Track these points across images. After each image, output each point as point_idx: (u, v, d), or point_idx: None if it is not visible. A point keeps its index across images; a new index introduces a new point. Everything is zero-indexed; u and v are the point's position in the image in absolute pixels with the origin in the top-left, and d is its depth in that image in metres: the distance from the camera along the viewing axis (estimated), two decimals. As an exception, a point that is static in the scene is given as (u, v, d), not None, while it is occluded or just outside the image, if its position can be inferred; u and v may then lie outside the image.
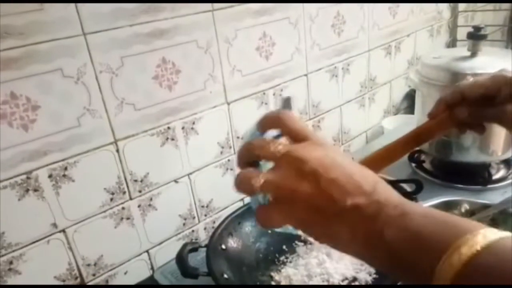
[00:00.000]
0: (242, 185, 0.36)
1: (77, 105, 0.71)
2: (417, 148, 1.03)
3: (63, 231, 0.76)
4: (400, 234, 0.32)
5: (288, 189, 0.35)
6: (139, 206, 0.85)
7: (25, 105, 0.66)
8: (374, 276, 0.68)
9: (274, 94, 1.02)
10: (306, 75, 1.08)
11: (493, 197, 0.84)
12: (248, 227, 0.74)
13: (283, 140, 0.38)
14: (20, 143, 0.67)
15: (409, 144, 0.64)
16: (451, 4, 1.51)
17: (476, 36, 0.89)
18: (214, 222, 1.01)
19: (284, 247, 0.75)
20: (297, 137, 0.38)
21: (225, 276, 0.61)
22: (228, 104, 0.94)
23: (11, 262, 0.71)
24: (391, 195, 0.35)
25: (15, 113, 0.65)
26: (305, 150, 0.36)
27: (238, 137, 0.99)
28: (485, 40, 0.90)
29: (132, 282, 0.87)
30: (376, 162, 0.63)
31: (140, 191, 0.84)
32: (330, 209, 0.34)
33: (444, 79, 0.87)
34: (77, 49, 0.69)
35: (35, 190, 0.70)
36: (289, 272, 0.70)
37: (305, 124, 0.38)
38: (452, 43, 1.56)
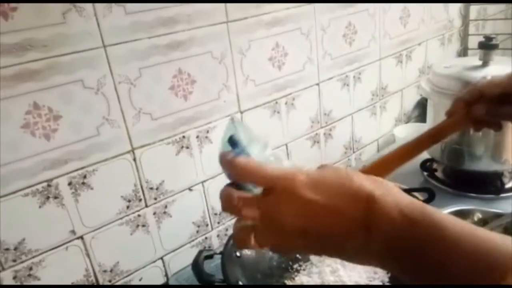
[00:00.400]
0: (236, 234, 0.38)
1: (97, 115, 0.73)
2: (429, 157, 1.04)
3: (81, 237, 0.77)
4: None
5: (282, 243, 0.36)
6: (154, 213, 0.87)
7: (47, 115, 0.68)
8: (388, 283, 0.68)
9: (286, 103, 1.04)
10: (318, 84, 1.09)
11: (506, 206, 0.83)
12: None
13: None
14: (42, 152, 0.69)
15: (427, 142, 0.65)
16: (462, 12, 1.52)
17: (488, 45, 0.90)
18: (227, 230, 1.02)
19: (297, 255, 0.76)
20: (261, 185, 0.36)
21: (240, 283, 0.62)
22: (241, 113, 0.95)
23: (30, 268, 0.73)
24: (390, 207, 0.33)
25: (38, 123, 0.67)
26: (276, 209, 0.34)
27: (251, 146, 1.00)
28: (496, 49, 0.91)
29: (147, 288, 0.89)
30: (393, 160, 0.64)
31: (155, 199, 0.86)
32: (331, 250, 0.35)
33: (455, 88, 0.87)
34: (97, 61, 0.71)
35: (55, 198, 0.72)
36: (302, 280, 0.70)
37: (262, 164, 0.37)
38: (463, 52, 1.56)
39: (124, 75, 0.74)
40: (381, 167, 0.64)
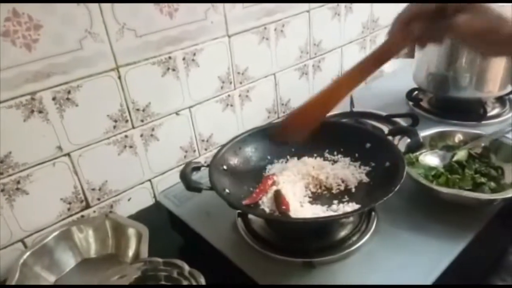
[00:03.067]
0: None
1: (79, 28, 0.71)
2: (416, 86, 1.05)
3: (68, 155, 0.78)
4: None
5: None
6: (141, 135, 0.87)
7: (28, 24, 0.66)
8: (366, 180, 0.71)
9: (275, 30, 1.02)
10: (308, 11, 1.07)
11: (487, 130, 0.85)
12: (249, 152, 0.76)
13: None
14: (24, 62, 0.67)
15: (372, 65, 0.66)
16: None
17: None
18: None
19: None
20: None
21: (227, 191, 0.64)
22: (229, 37, 0.93)
23: (18, 182, 0.73)
24: None
25: (18, 31, 0.65)
26: None
27: (238, 73, 0.99)
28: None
29: (136, 209, 0.91)
30: (347, 83, 0.68)
31: (142, 121, 0.86)
32: None
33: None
34: (78, -32, 0.68)
35: (40, 112, 0.72)
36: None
37: None
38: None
39: (106, -14, 0.71)
40: (327, 98, 0.69)
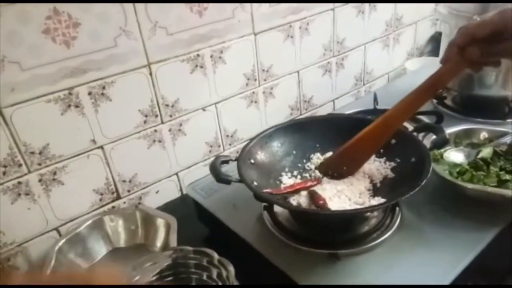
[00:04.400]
0: None
1: (114, 25, 0.74)
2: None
3: (101, 147, 0.81)
4: None
5: None
6: (169, 130, 0.90)
7: (67, 22, 0.69)
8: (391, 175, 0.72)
9: (300, 28, 1.03)
10: (333, 9, 1.08)
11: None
12: (275, 147, 0.78)
13: None
14: (62, 59, 0.71)
15: (427, 93, 0.67)
16: None
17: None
18: (237, 152, 1.05)
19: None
20: None
21: (255, 183, 0.66)
22: (255, 35, 0.95)
23: (55, 173, 0.77)
24: None
25: (58, 29, 0.69)
26: None
27: (263, 70, 1.01)
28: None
29: (163, 201, 0.94)
30: (398, 115, 0.68)
31: (171, 116, 0.89)
32: None
33: (473, 10, 0.86)
34: (114, -32, 0.71)
35: (76, 106, 0.75)
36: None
37: None
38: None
39: (140, -15, 0.74)
40: (378, 132, 0.70)
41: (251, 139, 0.76)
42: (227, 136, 1.02)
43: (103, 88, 0.77)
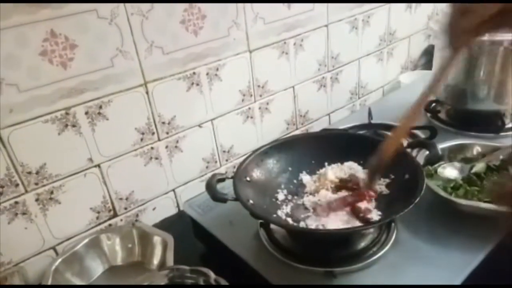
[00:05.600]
0: None
1: (111, 46, 0.75)
2: (434, 98, 1.06)
3: (98, 166, 0.82)
4: None
5: None
6: (166, 147, 0.91)
7: (64, 44, 0.70)
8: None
9: (294, 44, 1.05)
10: (326, 25, 1.09)
11: (505, 142, 0.86)
12: (271, 164, 0.78)
13: None
14: (60, 80, 0.72)
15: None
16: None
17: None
18: (234, 167, 1.06)
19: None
20: None
21: (251, 201, 0.67)
22: (250, 52, 0.97)
23: (52, 192, 0.77)
24: None
25: (55, 50, 0.70)
26: None
27: (259, 86, 1.02)
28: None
29: (160, 217, 0.94)
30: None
31: (167, 133, 0.90)
32: None
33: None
34: (110, -10, 0.72)
35: (73, 126, 0.76)
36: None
37: None
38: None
39: (136, 6, 0.75)
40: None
41: (247, 157, 0.77)
42: (224, 151, 1.03)
43: (100, 107, 0.78)
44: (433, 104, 1.07)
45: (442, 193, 0.72)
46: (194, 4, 0.83)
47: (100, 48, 0.74)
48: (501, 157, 0.79)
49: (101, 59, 0.75)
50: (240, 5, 0.90)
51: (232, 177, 0.71)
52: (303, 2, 1.01)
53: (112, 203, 0.86)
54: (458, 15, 0.56)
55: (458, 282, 0.62)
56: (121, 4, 0.74)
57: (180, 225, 0.90)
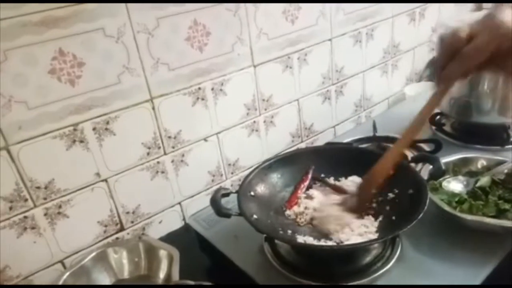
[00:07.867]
0: None
1: (118, 64, 0.77)
2: (438, 111, 1.06)
3: (106, 180, 0.83)
4: None
5: None
6: (172, 161, 0.92)
7: (72, 62, 0.72)
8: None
9: (298, 58, 1.06)
10: (330, 40, 1.11)
11: (510, 157, 0.86)
12: (275, 178, 0.79)
13: None
14: (68, 97, 0.73)
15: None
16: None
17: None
18: (240, 180, 1.07)
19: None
20: None
21: (255, 216, 0.68)
22: (255, 67, 0.98)
23: (60, 206, 0.79)
24: None
25: (63, 69, 0.71)
26: None
27: (263, 100, 1.03)
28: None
29: (166, 231, 0.95)
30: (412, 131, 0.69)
31: (173, 147, 0.91)
32: None
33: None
34: (117, 9, 0.74)
35: (81, 141, 0.77)
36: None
37: None
38: (478, 9, 1.54)
39: (142, 24, 0.77)
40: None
41: (251, 171, 0.77)
42: (229, 165, 1.04)
43: (107, 123, 0.79)
44: (438, 117, 1.07)
45: (447, 208, 0.72)
46: (198, 21, 0.84)
47: (107, 66, 0.76)
48: (506, 171, 0.79)
49: (108, 76, 0.77)
50: (244, 20, 0.92)
51: (236, 192, 0.71)
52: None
53: (119, 216, 0.87)
54: (447, 59, 0.56)
55: (463, 297, 0.62)
56: (128, 22, 0.76)
57: (186, 238, 0.90)
